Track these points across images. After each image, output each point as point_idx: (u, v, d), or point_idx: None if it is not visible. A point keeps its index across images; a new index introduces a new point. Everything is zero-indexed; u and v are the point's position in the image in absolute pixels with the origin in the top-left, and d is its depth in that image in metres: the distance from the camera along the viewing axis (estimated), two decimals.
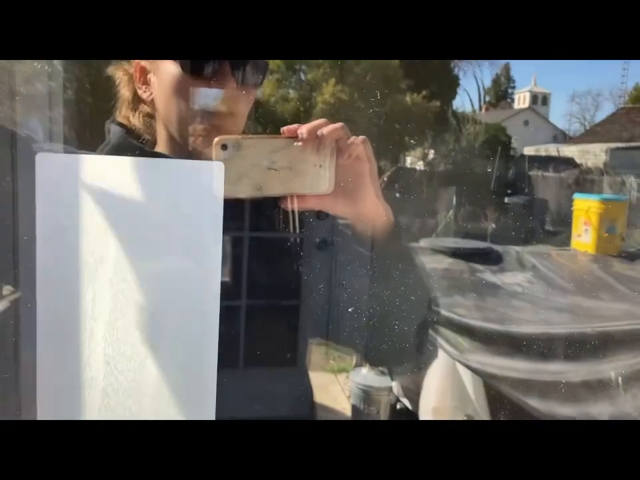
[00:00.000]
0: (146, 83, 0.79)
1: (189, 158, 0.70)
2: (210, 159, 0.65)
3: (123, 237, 0.45)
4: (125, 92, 0.83)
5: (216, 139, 0.58)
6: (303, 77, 16.06)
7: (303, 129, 0.60)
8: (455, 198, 12.15)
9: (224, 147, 0.59)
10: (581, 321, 2.41)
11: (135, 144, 0.80)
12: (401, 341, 0.73)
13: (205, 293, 0.46)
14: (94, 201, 0.45)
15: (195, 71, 0.72)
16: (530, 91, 33.53)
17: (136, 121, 0.82)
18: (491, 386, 2.15)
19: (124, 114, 0.83)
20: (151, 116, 0.81)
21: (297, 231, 0.72)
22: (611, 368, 1.99)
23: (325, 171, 0.62)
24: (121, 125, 0.81)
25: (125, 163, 0.46)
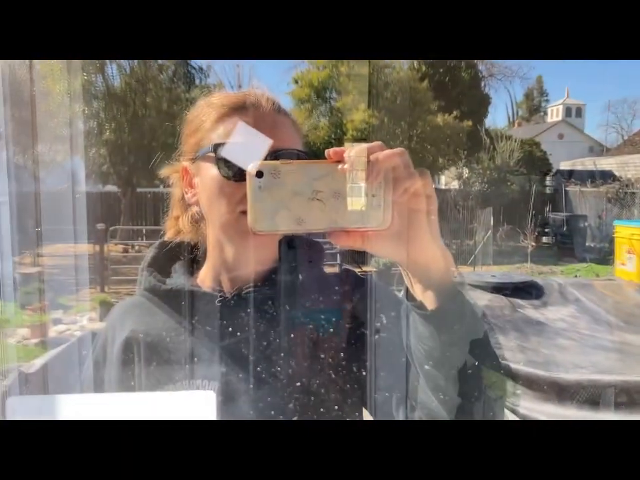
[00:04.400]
0: (191, 185, 0.83)
1: (237, 259, 0.79)
2: (265, 265, 0.79)
3: None
4: (176, 191, 0.88)
5: (250, 165, 0.54)
6: (332, 104, 16.18)
7: (352, 152, 0.53)
8: (492, 217, 12.23)
9: (259, 174, 0.53)
10: (631, 364, 2.13)
11: (166, 288, 0.82)
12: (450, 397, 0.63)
13: None
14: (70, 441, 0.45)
15: (233, 173, 0.74)
16: (563, 103, 32.60)
17: (185, 222, 0.86)
18: None
19: (175, 214, 0.89)
20: (196, 219, 0.85)
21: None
22: None
23: (378, 203, 0.53)
24: (153, 273, 0.85)
25: (105, 399, 0.48)
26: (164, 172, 0.89)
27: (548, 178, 17.11)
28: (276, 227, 0.55)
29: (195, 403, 0.46)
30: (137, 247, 12.28)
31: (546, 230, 14.53)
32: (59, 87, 11.43)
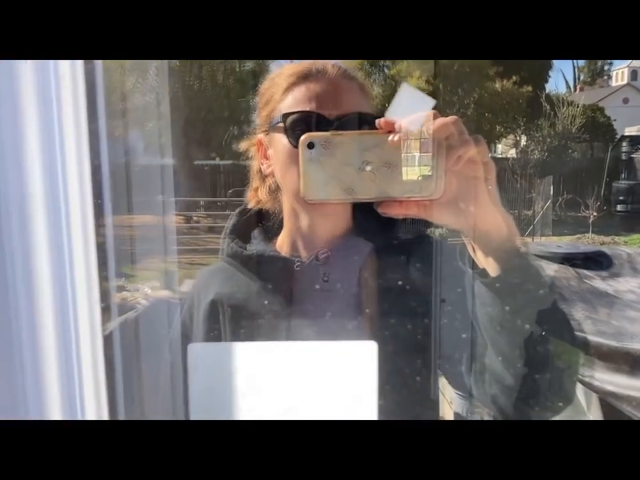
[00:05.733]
0: (266, 157, 0.85)
1: (311, 225, 0.81)
2: (332, 228, 0.80)
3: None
4: (254, 164, 0.90)
5: (302, 137, 0.55)
6: (386, 72, 15.88)
7: (403, 122, 0.52)
8: (552, 187, 12.39)
9: (310, 145, 0.54)
10: None
11: (248, 254, 0.85)
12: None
13: None
14: (247, 388, 0.46)
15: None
16: (629, 66, 29.09)
17: (263, 193, 0.89)
18: (611, 404, 1.98)
19: (254, 185, 0.91)
20: (273, 190, 0.87)
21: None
22: None
23: (430, 172, 0.52)
24: (235, 240, 0.88)
25: (275, 348, 0.48)
26: (242, 145, 0.91)
27: (612, 145, 16.53)
28: (327, 196, 0.56)
29: (358, 353, 0.46)
30: (195, 218, 12.53)
31: (610, 199, 14.16)
32: (113, 61, 11.63)
